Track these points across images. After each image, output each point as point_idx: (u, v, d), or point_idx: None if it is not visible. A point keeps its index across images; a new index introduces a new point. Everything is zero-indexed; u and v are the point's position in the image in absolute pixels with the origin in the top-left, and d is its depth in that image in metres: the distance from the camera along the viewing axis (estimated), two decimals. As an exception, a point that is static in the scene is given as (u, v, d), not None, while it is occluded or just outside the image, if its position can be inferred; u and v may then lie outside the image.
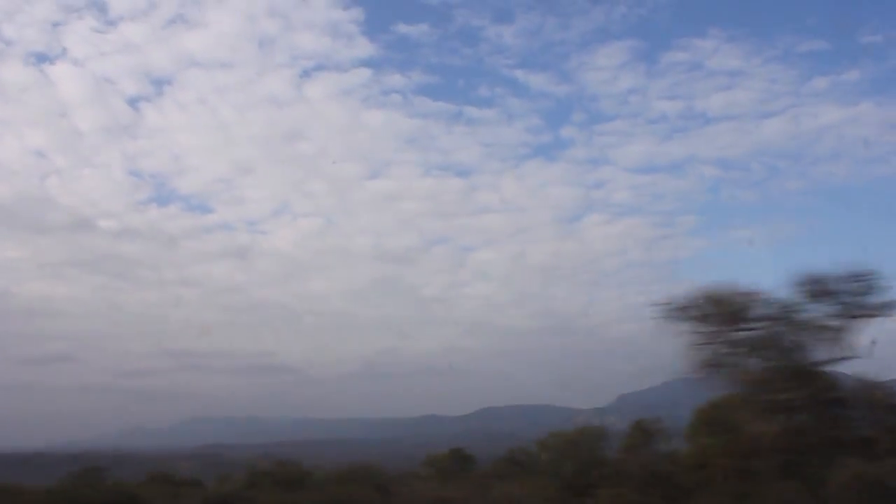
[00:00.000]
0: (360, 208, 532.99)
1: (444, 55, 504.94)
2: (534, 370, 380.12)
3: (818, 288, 19.51)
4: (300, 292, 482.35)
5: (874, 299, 19.24)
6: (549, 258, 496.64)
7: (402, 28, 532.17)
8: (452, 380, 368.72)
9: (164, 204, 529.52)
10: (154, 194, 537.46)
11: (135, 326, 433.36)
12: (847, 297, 19.37)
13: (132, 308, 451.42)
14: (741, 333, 20.12)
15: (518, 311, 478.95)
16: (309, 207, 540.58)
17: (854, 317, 19.33)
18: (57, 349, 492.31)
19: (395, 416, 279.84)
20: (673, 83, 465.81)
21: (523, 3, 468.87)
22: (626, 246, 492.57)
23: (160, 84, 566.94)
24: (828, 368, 19.95)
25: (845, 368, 19.98)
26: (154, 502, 27.23)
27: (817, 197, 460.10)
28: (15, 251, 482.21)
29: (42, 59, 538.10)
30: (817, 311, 19.60)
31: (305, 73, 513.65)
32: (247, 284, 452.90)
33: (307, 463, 40.52)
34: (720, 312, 19.94)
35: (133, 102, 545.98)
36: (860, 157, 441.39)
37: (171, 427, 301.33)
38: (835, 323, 19.44)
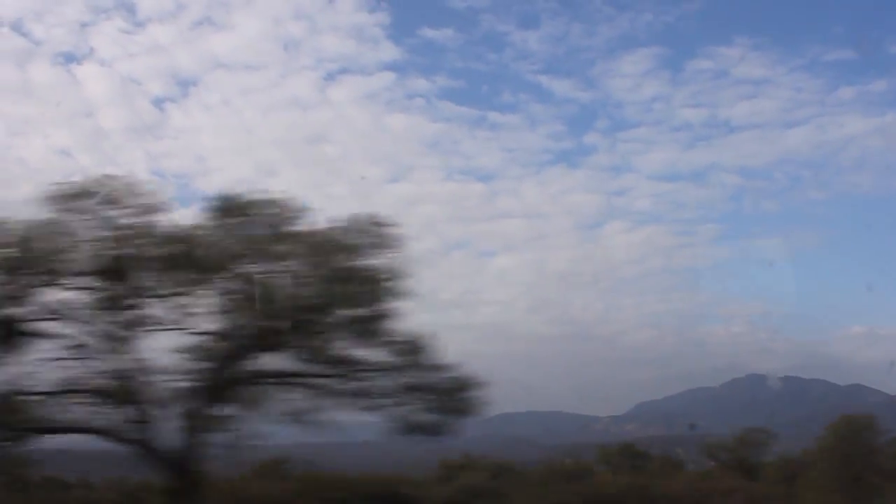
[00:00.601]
0: (381, 211, 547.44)
1: (469, 60, 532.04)
2: (550, 377, 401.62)
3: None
4: None
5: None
6: (568, 265, 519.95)
7: (428, 32, 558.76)
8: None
9: (186, 205, 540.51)
10: (177, 194, 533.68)
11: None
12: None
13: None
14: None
15: (536, 318, 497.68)
16: (330, 210, 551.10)
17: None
18: None
19: None
20: (697, 91, 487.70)
21: (549, 9, 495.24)
22: (647, 254, 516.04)
23: (186, 85, 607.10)
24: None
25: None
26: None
27: (840, 207, 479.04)
28: None
29: (70, 59, 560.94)
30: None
31: (330, 76, 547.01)
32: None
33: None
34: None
35: (158, 103, 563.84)
36: (885, 167, 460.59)
37: None
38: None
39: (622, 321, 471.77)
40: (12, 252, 13.47)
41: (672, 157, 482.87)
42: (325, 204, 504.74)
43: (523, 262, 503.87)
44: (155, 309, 14.53)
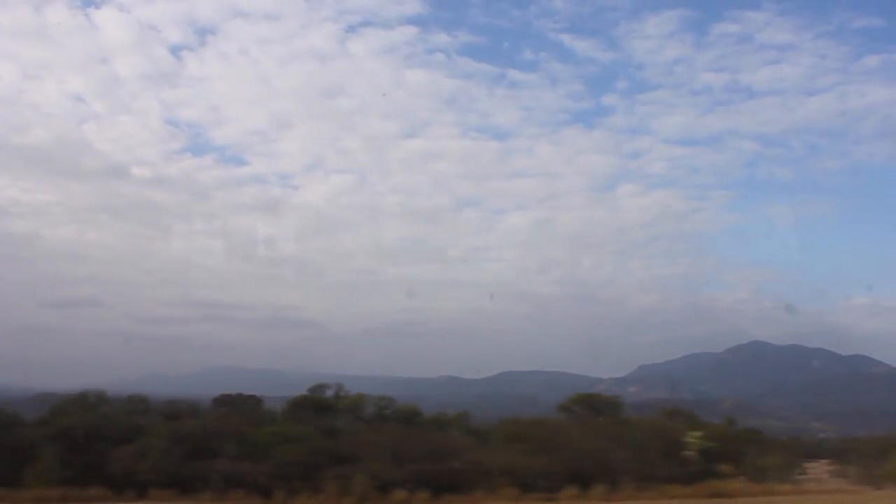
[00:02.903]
0: (394, 167, 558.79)
1: (493, 16, 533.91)
2: (555, 337, 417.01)
3: None
4: (328, 248, 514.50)
5: None
6: (578, 226, 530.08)
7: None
8: (473, 342, 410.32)
9: (198, 154, 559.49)
10: (189, 144, 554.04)
11: (161, 274, 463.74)
12: None
13: (160, 256, 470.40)
14: None
15: (543, 277, 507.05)
16: (343, 164, 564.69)
17: None
18: (84, 293, 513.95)
19: (414, 375, 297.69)
20: (720, 55, 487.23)
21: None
22: (658, 217, 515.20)
23: (203, 33, 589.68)
24: None
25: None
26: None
27: (855, 177, 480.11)
28: (48, 195, 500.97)
29: (88, 3, 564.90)
30: None
31: (351, 29, 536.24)
32: (275, 238, 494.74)
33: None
34: None
35: (175, 51, 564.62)
36: None
37: (192, 375, 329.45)
38: None
39: (629, 284, 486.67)
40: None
41: (690, 121, 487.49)
42: (338, 158, 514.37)
43: (534, 221, 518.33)
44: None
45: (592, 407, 46.72)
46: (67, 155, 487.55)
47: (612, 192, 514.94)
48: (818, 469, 50.99)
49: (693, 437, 34.28)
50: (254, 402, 60.23)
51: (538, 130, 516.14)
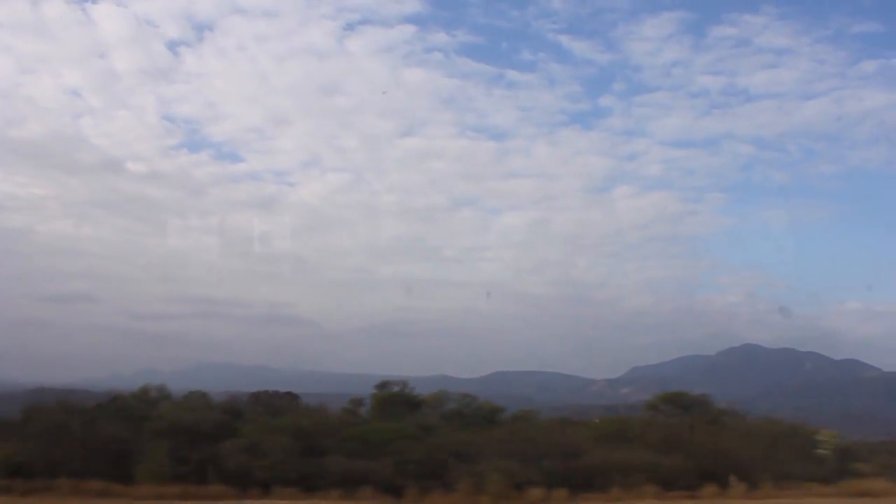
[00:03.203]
0: (391, 166, 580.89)
1: (492, 16, 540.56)
2: (548, 337, 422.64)
3: None
4: (323, 246, 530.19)
5: None
6: (573, 227, 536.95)
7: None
8: (467, 341, 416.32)
9: (194, 150, 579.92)
10: (185, 140, 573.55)
11: (155, 270, 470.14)
12: None
13: (154, 252, 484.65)
14: None
15: (537, 278, 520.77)
16: (339, 162, 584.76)
17: None
18: (77, 288, 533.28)
19: (407, 374, 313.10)
20: (718, 58, 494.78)
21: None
22: (652, 220, 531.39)
23: (201, 29, 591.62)
24: None
25: None
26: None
27: (850, 182, 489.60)
28: (42, 189, 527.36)
29: None
30: None
31: (349, 27, 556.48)
32: (270, 235, 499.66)
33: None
34: None
35: (173, 46, 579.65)
36: None
37: (184, 371, 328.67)
38: None
39: (622, 286, 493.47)
40: None
41: (686, 123, 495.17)
42: (334, 156, 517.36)
43: (529, 222, 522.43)
44: None
45: (681, 405, 46.55)
46: (63, 149, 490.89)
47: (608, 194, 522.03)
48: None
49: (827, 436, 34.30)
50: (290, 398, 59.68)
51: (535, 131, 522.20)
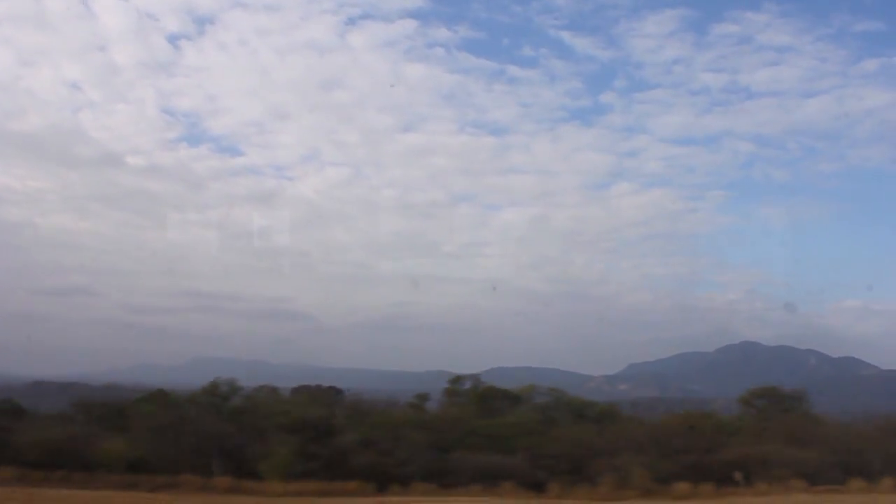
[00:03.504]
0: (390, 161, 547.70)
1: (494, 11, 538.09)
2: (545, 334, 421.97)
3: None
4: (321, 240, 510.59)
5: None
6: (572, 223, 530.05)
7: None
8: (464, 337, 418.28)
9: (194, 144, 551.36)
10: (185, 133, 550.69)
11: (154, 264, 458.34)
12: None
13: (153, 246, 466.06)
14: None
15: (535, 274, 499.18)
16: (339, 157, 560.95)
17: None
18: (76, 282, 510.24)
19: (405, 369, 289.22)
20: (719, 55, 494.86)
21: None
22: (651, 216, 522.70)
23: (202, 23, 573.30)
24: None
25: None
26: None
27: (850, 180, 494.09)
28: (41, 182, 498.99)
29: None
30: None
31: (350, 21, 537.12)
32: (269, 229, 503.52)
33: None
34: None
35: (173, 40, 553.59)
36: None
37: (182, 365, 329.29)
38: None
39: (620, 283, 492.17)
40: None
41: (687, 120, 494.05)
42: (334, 150, 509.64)
43: (528, 218, 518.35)
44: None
45: (775, 400, 46.50)
46: (62, 142, 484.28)
47: (607, 191, 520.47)
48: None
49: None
50: (334, 392, 59.24)
51: (536, 127, 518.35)
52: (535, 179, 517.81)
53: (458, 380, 52.40)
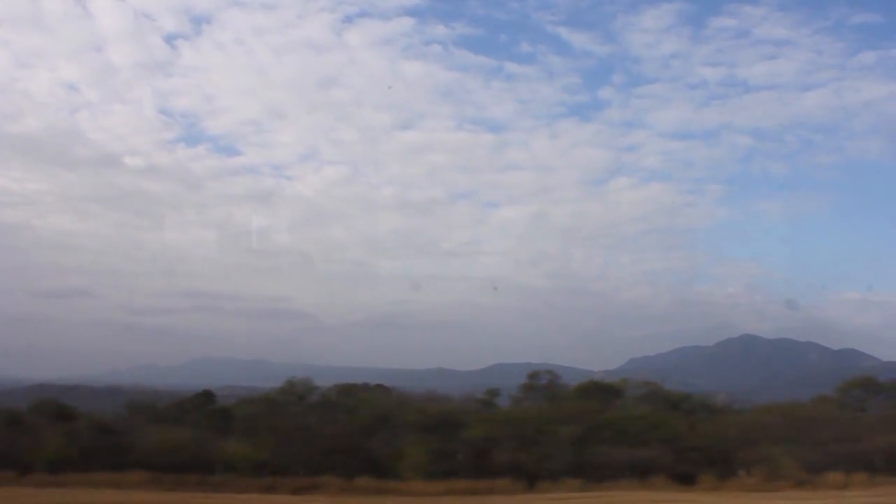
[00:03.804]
0: (388, 159, 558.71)
1: (491, 7, 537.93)
2: (546, 330, 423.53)
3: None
4: (320, 239, 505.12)
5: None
6: (571, 219, 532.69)
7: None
8: (464, 334, 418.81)
9: (192, 144, 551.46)
10: (183, 134, 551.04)
11: (153, 265, 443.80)
12: None
13: (151, 246, 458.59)
14: None
15: (535, 270, 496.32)
16: (337, 155, 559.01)
17: None
18: (74, 284, 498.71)
19: (405, 367, 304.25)
20: (717, 49, 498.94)
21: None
22: (650, 211, 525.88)
23: (199, 22, 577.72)
24: None
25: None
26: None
27: (848, 173, 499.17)
28: (39, 184, 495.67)
29: None
30: None
31: (347, 19, 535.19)
32: (267, 229, 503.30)
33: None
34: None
35: (170, 39, 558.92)
36: None
37: (182, 366, 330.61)
38: None
39: (620, 277, 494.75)
40: None
41: (685, 115, 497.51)
42: (332, 149, 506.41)
43: (527, 214, 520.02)
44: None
45: (871, 390, 46.64)
46: (60, 144, 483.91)
47: (606, 186, 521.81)
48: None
49: None
50: (382, 390, 58.82)
51: (534, 123, 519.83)
52: (534, 176, 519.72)
53: (535, 375, 52.23)
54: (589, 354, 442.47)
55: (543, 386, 51.64)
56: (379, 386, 59.90)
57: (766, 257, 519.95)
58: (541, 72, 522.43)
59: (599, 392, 44.52)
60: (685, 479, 31.94)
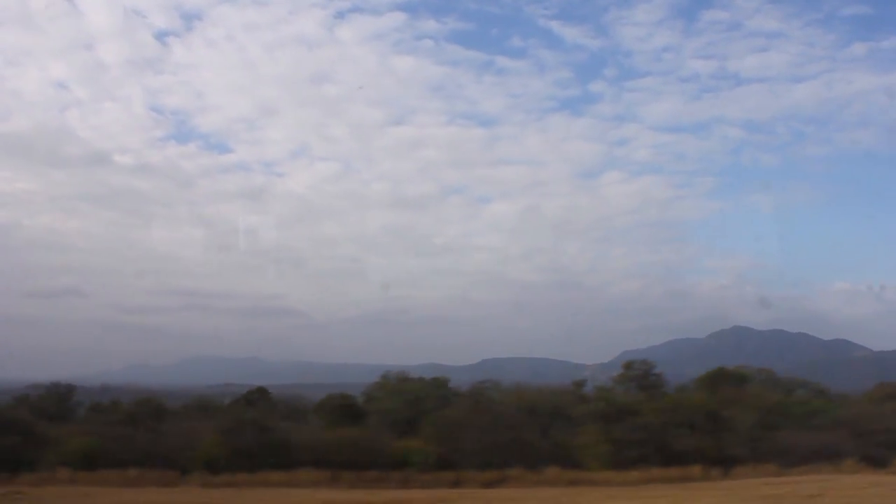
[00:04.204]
0: (380, 154, 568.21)
1: (483, 2, 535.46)
2: (538, 324, 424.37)
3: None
4: (312, 236, 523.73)
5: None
6: (563, 213, 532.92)
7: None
8: (456, 329, 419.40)
9: (183, 141, 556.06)
10: (174, 131, 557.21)
11: (144, 263, 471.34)
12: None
13: (143, 245, 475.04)
14: None
15: (527, 265, 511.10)
16: (328, 151, 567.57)
17: None
18: (65, 283, 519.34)
19: (398, 363, 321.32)
20: (709, 42, 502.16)
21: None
22: (642, 204, 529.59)
23: (190, 19, 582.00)
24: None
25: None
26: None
27: (838, 164, 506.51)
28: (29, 183, 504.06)
29: None
30: None
31: (339, 15, 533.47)
32: (259, 226, 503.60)
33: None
34: None
35: (161, 36, 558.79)
36: (887, 125, 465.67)
37: (175, 365, 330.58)
38: None
39: (611, 271, 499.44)
40: None
41: (677, 108, 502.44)
42: (324, 145, 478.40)
43: (518, 208, 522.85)
44: None
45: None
46: (49, 142, 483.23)
47: (597, 180, 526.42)
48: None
49: None
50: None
51: (525, 117, 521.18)
52: (526, 170, 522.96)
53: (630, 364, 52.33)
54: (581, 348, 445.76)
55: (638, 375, 51.71)
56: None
57: (757, 248, 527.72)
58: (532, 66, 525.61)
59: (729, 379, 44.40)
60: (877, 463, 31.81)
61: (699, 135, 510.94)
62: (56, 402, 48.50)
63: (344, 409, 39.53)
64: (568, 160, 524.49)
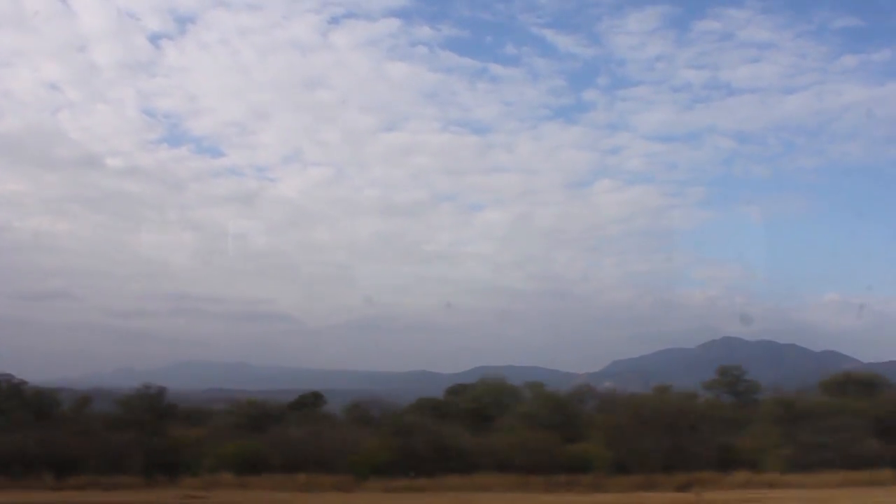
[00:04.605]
0: (372, 160, 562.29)
1: (477, 9, 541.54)
2: (528, 332, 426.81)
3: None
4: (303, 241, 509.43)
5: None
6: (554, 221, 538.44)
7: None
8: (446, 337, 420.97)
9: (175, 145, 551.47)
10: (166, 134, 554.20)
11: (134, 267, 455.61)
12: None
13: (133, 248, 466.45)
14: None
15: (518, 273, 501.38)
16: (321, 157, 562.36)
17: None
18: (54, 286, 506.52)
19: (387, 370, 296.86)
20: (701, 52, 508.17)
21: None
22: (633, 213, 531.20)
23: (184, 22, 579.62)
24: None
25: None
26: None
27: (829, 175, 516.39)
28: (19, 185, 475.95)
29: None
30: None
31: (334, 20, 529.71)
32: (250, 231, 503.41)
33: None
34: None
35: (154, 39, 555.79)
36: (878, 137, 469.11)
37: (163, 369, 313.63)
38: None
39: (602, 280, 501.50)
40: None
41: (669, 117, 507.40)
42: (316, 150, 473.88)
43: (510, 216, 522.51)
44: None
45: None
46: (40, 144, 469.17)
47: (589, 188, 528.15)
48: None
49: None
50: None
51: (518, 125, 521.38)
52: (518, 178, 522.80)
53: (725, 370, 53.10)
54: (571, 356, 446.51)
55: (730, 381, 52.27)
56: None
57: (747, 259, 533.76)
58: (526, 74, 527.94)
59: (857, 384, 44.61)
60: None
61: (691, 144, 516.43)
62: (150, 404, 46.88)
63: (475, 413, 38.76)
64: (560, 168, 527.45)
